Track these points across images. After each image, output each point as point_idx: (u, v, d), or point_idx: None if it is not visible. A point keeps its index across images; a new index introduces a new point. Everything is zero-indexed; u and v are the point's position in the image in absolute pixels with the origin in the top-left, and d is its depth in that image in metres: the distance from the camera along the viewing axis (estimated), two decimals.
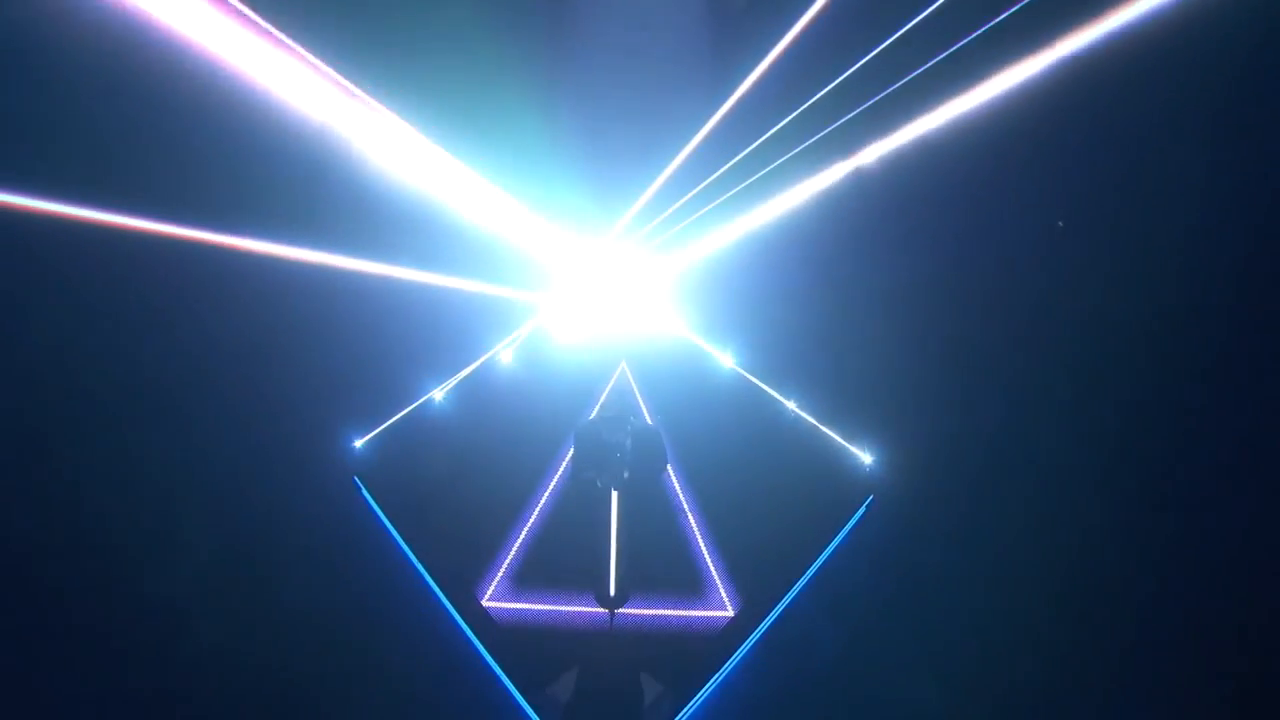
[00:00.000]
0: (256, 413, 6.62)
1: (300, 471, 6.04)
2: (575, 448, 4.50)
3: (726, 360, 7.74)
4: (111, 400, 6.70)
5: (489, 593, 5.26)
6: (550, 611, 5.12)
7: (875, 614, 5.12)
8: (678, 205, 7.59)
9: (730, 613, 5.16)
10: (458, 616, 5.03)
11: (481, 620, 5.04)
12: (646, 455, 4.44)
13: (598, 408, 4.30)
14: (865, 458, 6.37)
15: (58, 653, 4.64)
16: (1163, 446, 6.51)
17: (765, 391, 7.29)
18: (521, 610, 5.14)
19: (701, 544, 5.71)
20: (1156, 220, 7.08)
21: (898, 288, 8.27)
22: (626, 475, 4.29)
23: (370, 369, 7.72)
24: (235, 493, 5.76)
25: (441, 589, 5.19)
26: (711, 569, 5.49)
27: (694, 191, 7.50)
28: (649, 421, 4.59)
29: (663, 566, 5.41)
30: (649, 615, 5.10)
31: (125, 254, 7.08)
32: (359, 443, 6.42)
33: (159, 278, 7.20)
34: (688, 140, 7.28)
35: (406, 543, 5.53)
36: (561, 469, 6.38)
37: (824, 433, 6.70)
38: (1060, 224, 8.34)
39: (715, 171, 7.52)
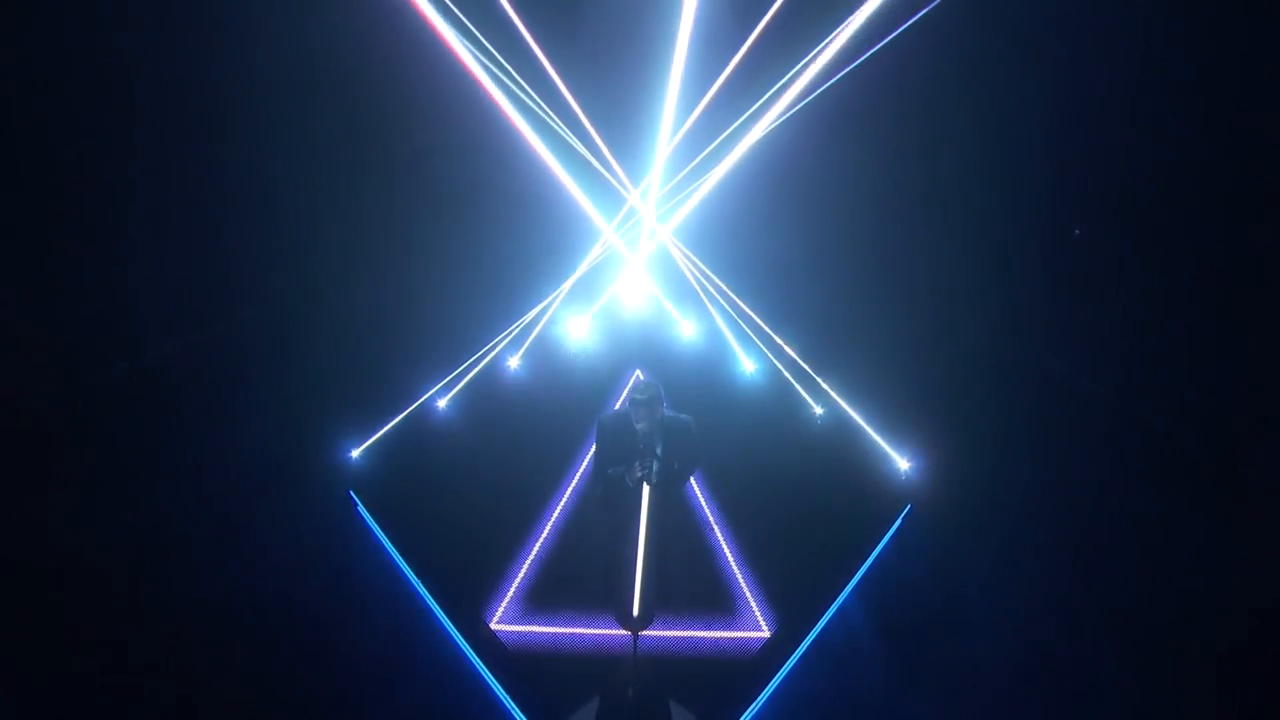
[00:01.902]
0: (236, 421, 6.18)
1: (289, 487, 5.56)
2: (599, 440, 3.95)
3: (749, 363, 7.29)
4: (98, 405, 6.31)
5: (498, 614, 4.66)
6: (567, 635, 4.52)
7: (921, 632, 4.57)
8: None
9: (766, 632, 4.58)
10: (462, 641, 4.44)
11: (489, 645, 4.44)
12: (679, 450, 3.88)
13: (627, 390, 3.72)
14: (902, 463, 5.84)
15: (45, 665, 4.16)
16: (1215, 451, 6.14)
17: (794, 392, 6.77)
18: (534, 633, 4.54)
19: (730, 558, 5.14)
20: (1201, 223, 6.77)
21: (928, 280, 7.89)
22: (657, 468, 3.72)
23: (367, 364, 7.25)
24: (216, 513, 5.28)
25: (444, 611, 4.60)
26: (743, 585, 4.91)
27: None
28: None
29: (691, 583, 4.85)
30: (677, 637, 4.51)
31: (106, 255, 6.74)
32: (355, 452, 5.89)
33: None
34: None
35: (406, 561, 4.96)
36: (582, 469, 5.85)
37: (857, 437, 6.17)
38: (1077, 232, 8.13)
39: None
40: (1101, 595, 4.79)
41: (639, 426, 3.73)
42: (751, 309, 7.19)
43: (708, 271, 7.45)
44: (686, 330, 7.68)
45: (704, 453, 4.10)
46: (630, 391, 3.75)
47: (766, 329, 7.02)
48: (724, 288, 7.35)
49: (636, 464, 3.69)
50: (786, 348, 6.80)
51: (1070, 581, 4.90)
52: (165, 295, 6.89)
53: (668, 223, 7.49)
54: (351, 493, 5.53)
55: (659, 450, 3.75)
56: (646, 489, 3.68)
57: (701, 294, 7.51)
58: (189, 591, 4.63)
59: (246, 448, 5.94)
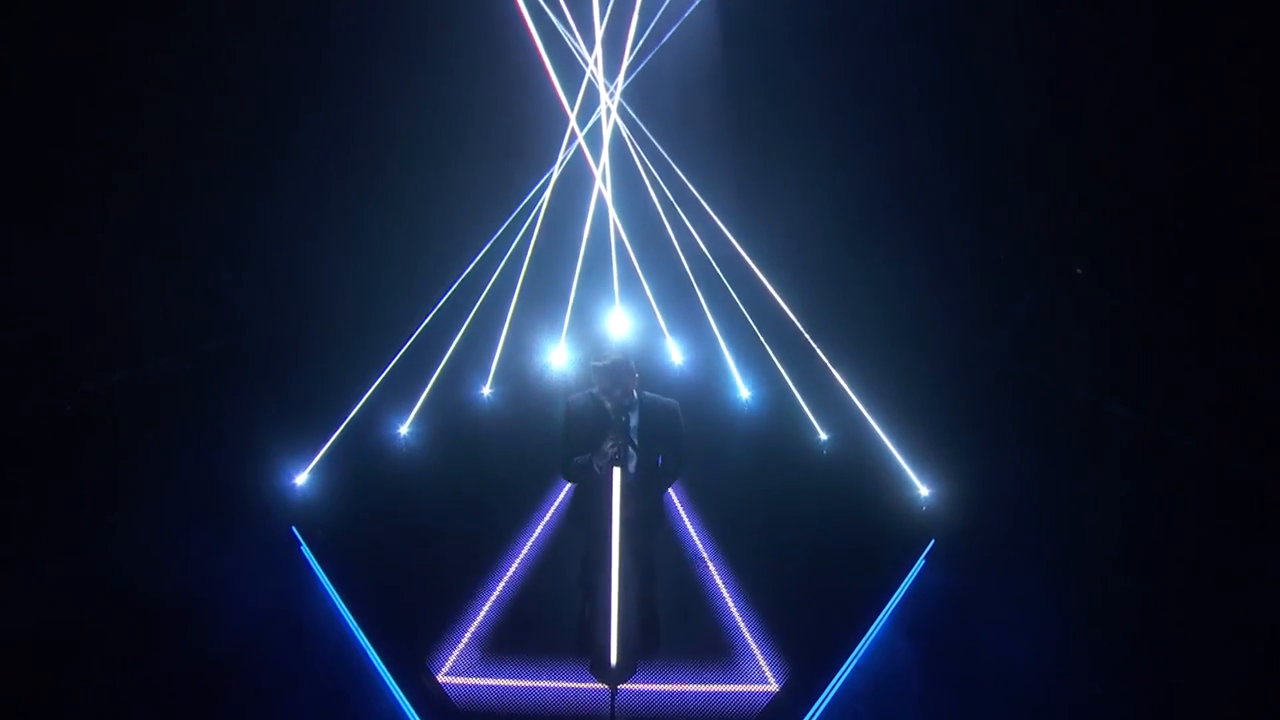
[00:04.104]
0: (163, 454, 5.48)
1: (224, 522, 4.79)
2: (566, 426, 3.21)
3: (745, 390, 6.60)
4: None
5: (448, 664, 3.79)
6: (530, 689, 3.64)
7: (955, 684, 3.77)
8: None
9: (773, 687, 3.70)
10: (400, 696, 3.56)
11: (434, 701, 3.55)
12: (662, 441, 3.16)
13: (593, 361, 2.99)
14: (922, 489, 5.07)
15: None
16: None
17: (800, 410, 6.00)
18: (489, 687, 3.66)
19: (729, 599, 4.30)
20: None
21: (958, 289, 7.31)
22: (634, 453, 2.97)
23: (302, 361, 6.48)
24: (142, 553, 4.53)
25: (381, 658, 3.73)
26: (744, 630, 4.06)
27: None
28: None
29: (682, 626, 4.01)
30: (664, 692, 3.63)
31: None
32: (300, 478, 5.11)
33: None
34: None
35: (345, 600, 4.12)
36: (559, 500, 5.09)
37: (871, 458, 5.37)
38: (1079, 271, 7.75)
39: None
40: (1155, 638, 4.05)
41: (607, 402, 3.01)
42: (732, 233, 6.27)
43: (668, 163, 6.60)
44: (676, 357, 7.03)
45: (691, 449, 3.33)
46: (593, 362, 3.03)
47: (753, 266, 6.05)
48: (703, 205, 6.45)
49: (607, 441, 2.95)
50: (778, 297, 5.85)
51: (1116, 621, 4.18)
52: (93, 325, 6.32)
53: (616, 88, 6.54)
54: (294, 529, 4.75)
55: (636, 439, 3.01)
56: (619, 485, 2.92)
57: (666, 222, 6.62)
58: (112, 635, 3.90)
59: (177, 481, 5.22)
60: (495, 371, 6.56)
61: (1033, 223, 6.97)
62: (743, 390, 6.51)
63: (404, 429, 5.87)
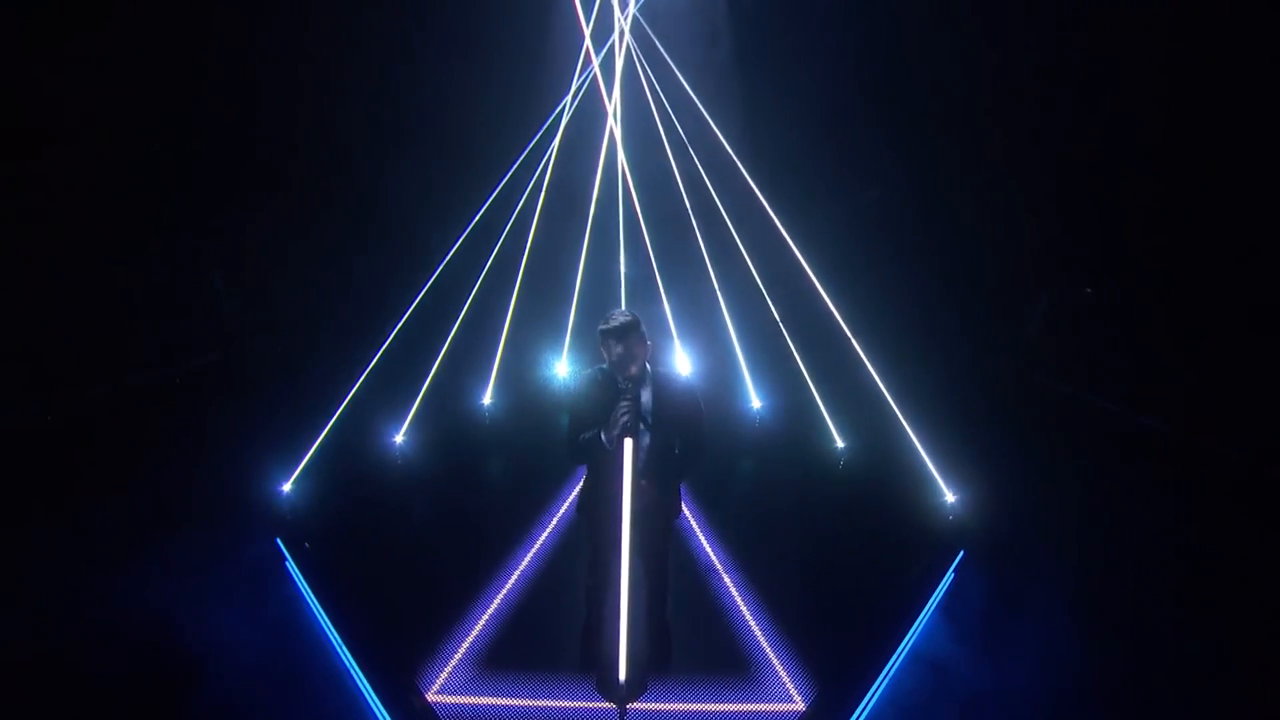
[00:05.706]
0: (148, 456, 5.13)
1: (208, 534, 4.44)
2: (573, 402, 2.88)
3: (757, 400, 6.28)
4: None
5: (439, 682, 3.41)
6: (529, 708, 3.25)
7: (989, 704, 3.37)
8: None
9: (799, 706, 3.32)
10: (385, 717, 3.18)
11: None
12: (678, 423, 2.81)
13: (600, 325, 2.68)
14: (949, 495, 4.72)
15: None
16: None
17: (819, 412, 5.64)
18: (485, 708, 3.27)
19: (746, 610, 3.93)
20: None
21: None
22: (647, 435, 2.64)
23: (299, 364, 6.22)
24: (117, 563, 4.21)
25: (365, 675, 3.36)
26: (765, 644, 3.69)
27: None
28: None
29: (697, 638, 3.64)
30: (678, 711, 3.25)
31: None
32: (287, 485, 4.77)
33: None
34: None
35: (327, 611, 3.76)
36: (566, 505, 4.75)
37: (897, 465, 5.01)
38: (1088, 290, 7.56)
39: None
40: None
41: (614, 370, 2.69)
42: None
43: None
44: (685, 367, 6.72)
45: (711, 437, 2.95)
46: (603, 323, 2.72)
47: (776, 220, 5.51)
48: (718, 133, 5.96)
49: (617, 410, 2.63)
50: (799, 259, 5.35)
51: (1153, 634, 3.85)
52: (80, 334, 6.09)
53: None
54: (279, 541, 4.41)
55: (649, 418, 2.70)
56: (631, 463, 2.59)
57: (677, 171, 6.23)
58: (91, 647, 3.57)
59: (160, 492, 4.90)
60: (496, 375, 6.26)
61: (1056, 227, 6.76)
62: (755, 400, 6.20)
63: (399, 437, 5.56)
